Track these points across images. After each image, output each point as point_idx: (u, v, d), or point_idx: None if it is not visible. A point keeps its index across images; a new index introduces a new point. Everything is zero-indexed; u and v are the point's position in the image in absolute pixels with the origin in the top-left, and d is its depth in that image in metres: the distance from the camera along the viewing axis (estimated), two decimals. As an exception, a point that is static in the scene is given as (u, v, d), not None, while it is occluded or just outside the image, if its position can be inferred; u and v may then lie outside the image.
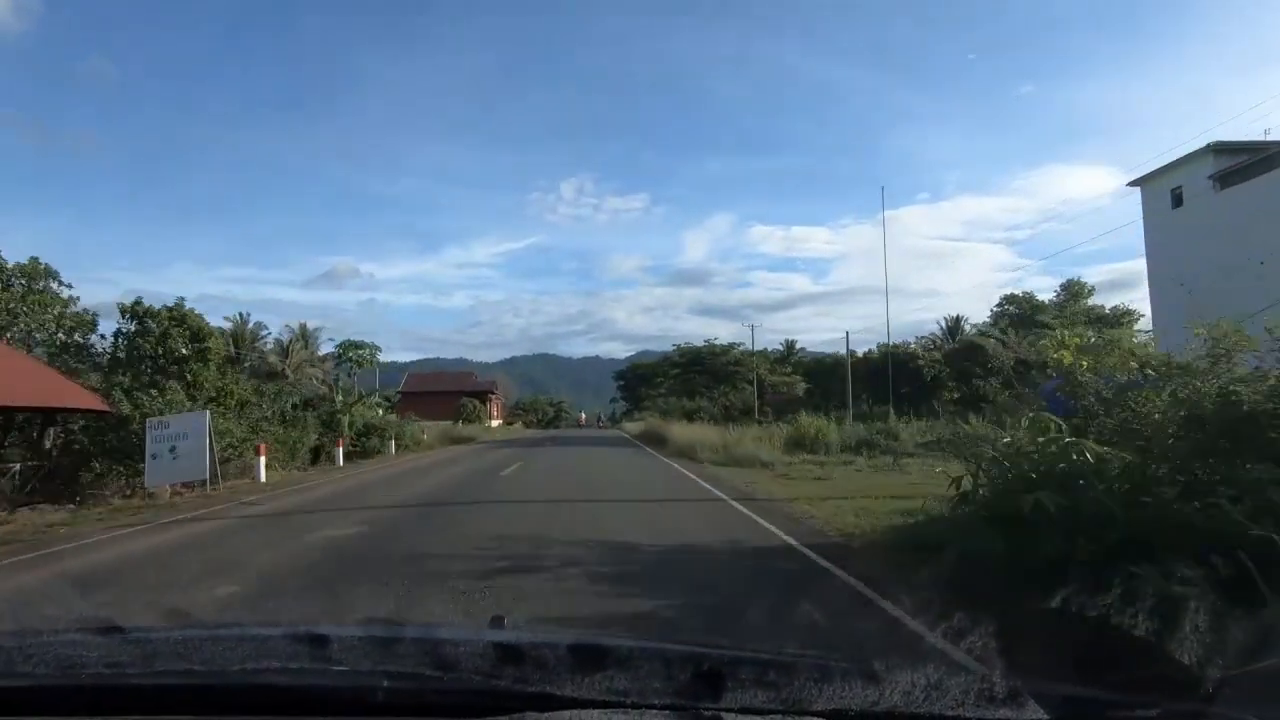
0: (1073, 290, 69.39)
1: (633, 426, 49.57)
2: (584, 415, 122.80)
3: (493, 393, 78.02)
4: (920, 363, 50.54)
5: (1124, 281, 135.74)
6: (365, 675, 1.26)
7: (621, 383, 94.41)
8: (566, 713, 1.10)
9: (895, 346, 57.27)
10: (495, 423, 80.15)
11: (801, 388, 78.84)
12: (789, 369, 78.53)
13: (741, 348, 74.88)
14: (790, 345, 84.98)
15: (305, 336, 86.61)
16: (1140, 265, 31.88)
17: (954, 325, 72.99)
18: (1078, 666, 3.48)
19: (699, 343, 78.74)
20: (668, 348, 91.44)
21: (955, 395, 51.47)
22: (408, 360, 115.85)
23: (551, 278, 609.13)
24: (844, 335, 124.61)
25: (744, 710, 1.14)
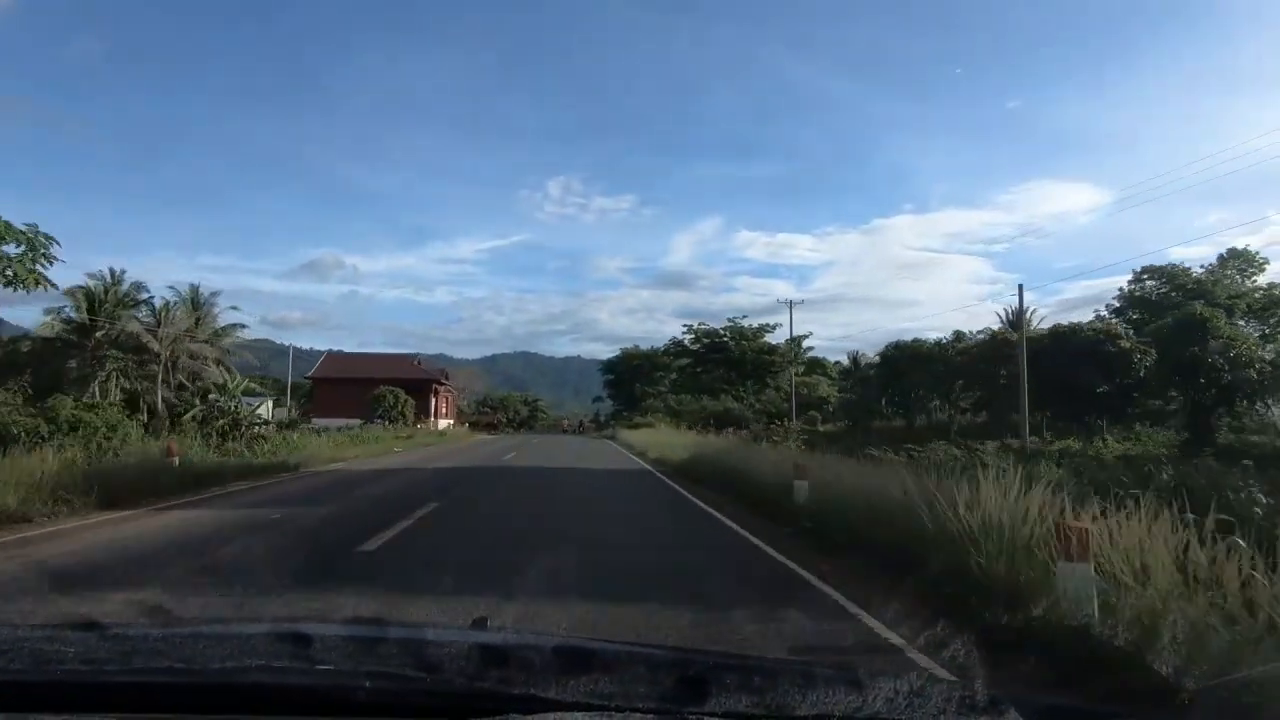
0: (1236, 263, 49.38)
1: (642, 439, 28.66)
2: (567, 420, 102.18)
3: (440, 383, 56.67)
4: (1124, 345, 29.96)
5: (1102, 298, 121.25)
6: (348, 675, 1.19)
7: (610, 376, 73.40)
8: (551, 715, 1.05)
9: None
10: (444, 423, 58.87)
11: (826, 388, 58.92)
12: (800, 367, 58.08)
13: (777, 328, 54.34)
14: (799, 341, 64.14)
15: (195, 303, 63.93)
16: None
17: (1016, 318, 53.21)
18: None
19: (718, 323, 58.02)
20: (652, 349, 70.58)
21: (1158, 397, 31.63)
22: (386, 355, 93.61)
23: (535, 276, 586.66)
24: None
25: (728, 715, 1.09)
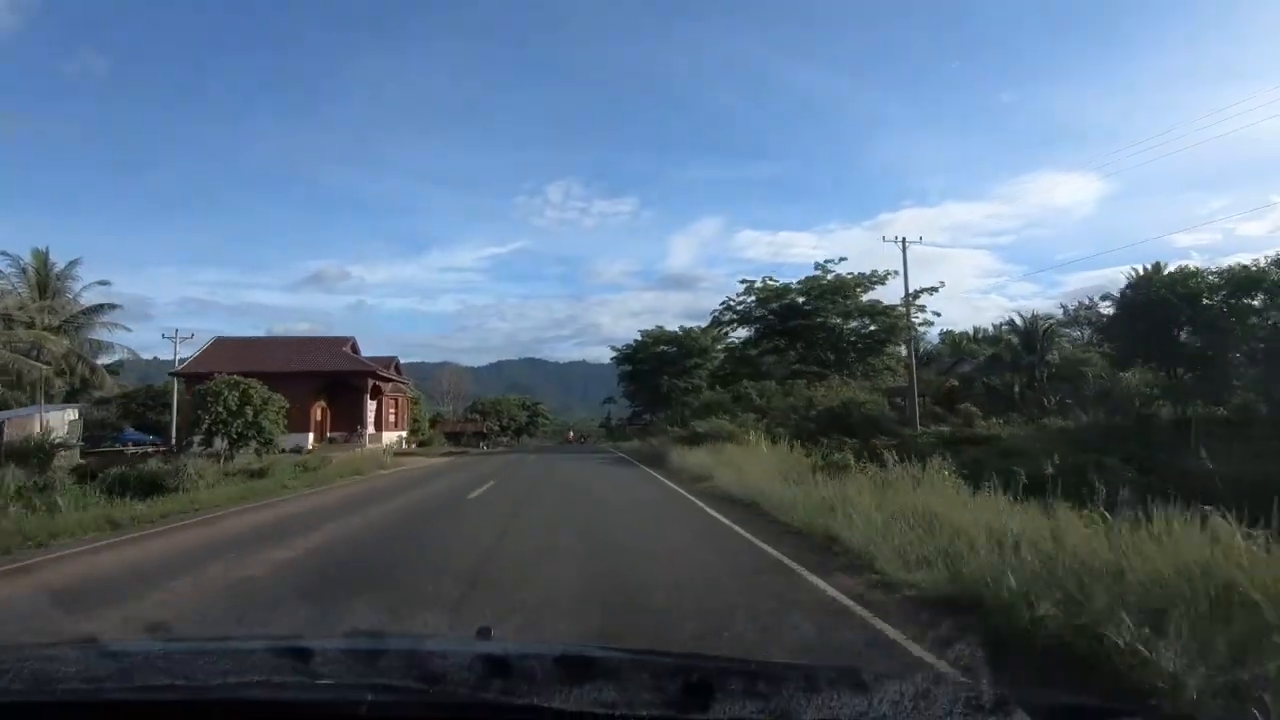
0: None
1: (770, 482, 9.21)
2: (573, 431, 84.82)
3: (382, 377, 37.59)
4: None
5: (1102, 289, 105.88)
6: (349, 689, 1.15)
7: (627, 368, 54.19)
8: None
9: None
10: (393, 436, 39.84)
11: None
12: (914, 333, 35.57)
13: (889, 277, 34.22)
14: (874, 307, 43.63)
15: (41, 276, 44.12)
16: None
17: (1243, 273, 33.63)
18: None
19: (790, 278, 37.97)
20: (682, 330, 51.26)
21: None
22: None
23: (537, 282, 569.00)
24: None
25: None
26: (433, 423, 62.75)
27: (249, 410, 20.03)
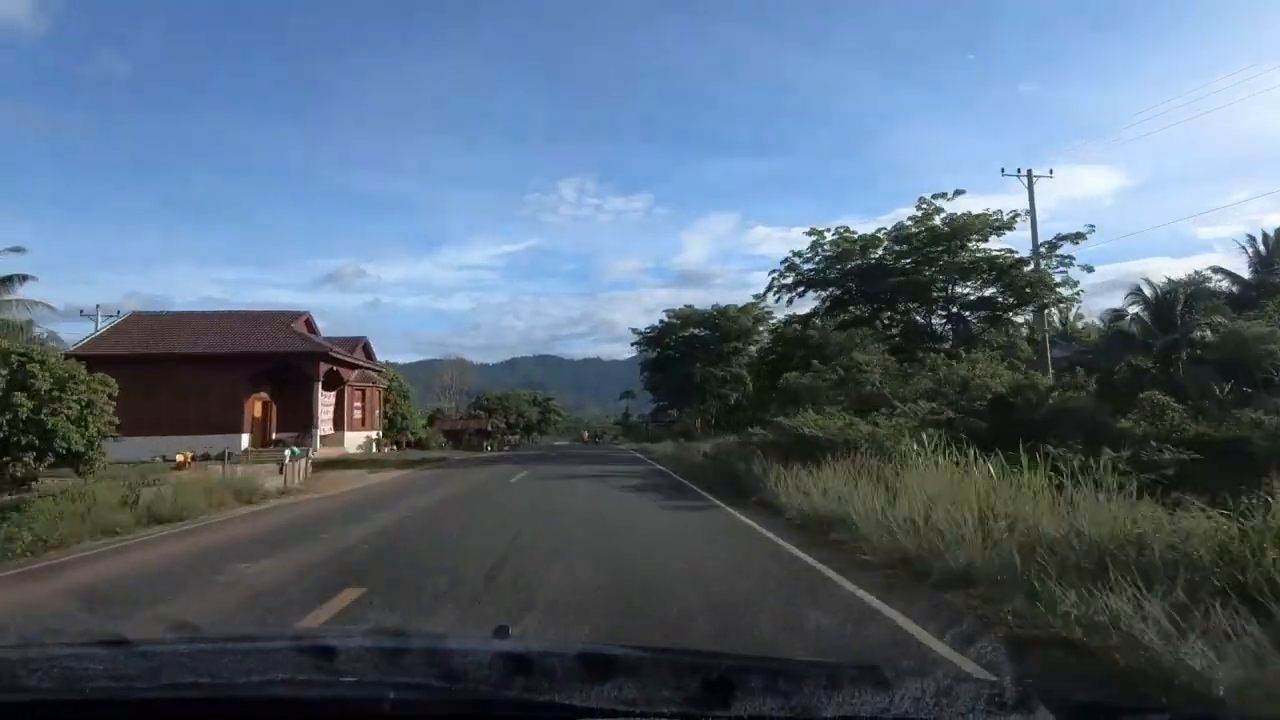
0: None
1: None
2: (587, 431, 77.46)
3: (338, 362, 28.89)
4: None
5: (1121, 283, 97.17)
6: (372, 686, 1.16)
7: (650, 355, 45.34)
8: None
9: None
10: (361, 438, 31.19)
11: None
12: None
13: (1015, 220, 24.74)
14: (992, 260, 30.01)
15: None
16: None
17: None
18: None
19: (874, 227, 28.00)
20: (714, 308, 42.51)
21: None
22: (406, 362, 66.64)
23: (551, 279, 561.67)
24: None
25: (753, 718, 1.04)
26: (431, 420, 54.52)
27: (22, 400, 11.31)
